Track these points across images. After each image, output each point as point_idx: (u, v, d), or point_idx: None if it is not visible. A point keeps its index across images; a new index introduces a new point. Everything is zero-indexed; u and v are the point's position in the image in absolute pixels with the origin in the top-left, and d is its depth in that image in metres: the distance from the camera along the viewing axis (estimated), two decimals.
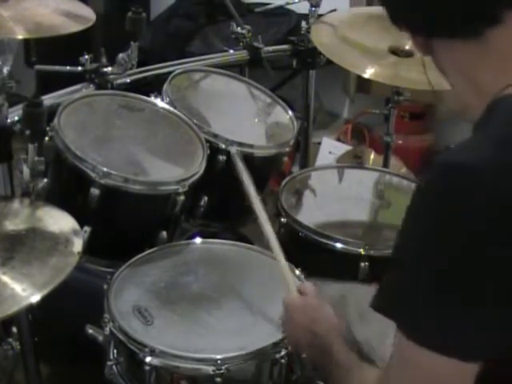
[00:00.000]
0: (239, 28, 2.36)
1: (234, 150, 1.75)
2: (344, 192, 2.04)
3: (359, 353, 1.26)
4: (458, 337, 0.90)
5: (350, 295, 1.49)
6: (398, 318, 0.95)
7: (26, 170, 1.57)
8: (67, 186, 1.71)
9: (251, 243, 1.84)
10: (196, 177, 1.71)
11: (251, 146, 1.86)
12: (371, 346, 1.33)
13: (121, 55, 1.97)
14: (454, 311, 0.89)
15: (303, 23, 2.43)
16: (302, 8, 2.63)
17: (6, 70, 1.71)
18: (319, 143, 3.19)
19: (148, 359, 1.37)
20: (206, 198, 1.84)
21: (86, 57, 1.97)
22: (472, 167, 0.87)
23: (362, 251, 1.74)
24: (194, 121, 1.84)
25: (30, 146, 1.55)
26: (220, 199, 1.86)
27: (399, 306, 0.94)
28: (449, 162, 0.90)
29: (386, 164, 2.48)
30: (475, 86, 0.98)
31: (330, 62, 2.19)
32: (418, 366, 0.93)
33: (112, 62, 1.98)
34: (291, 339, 1.38)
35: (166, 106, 1.87)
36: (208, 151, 1.77)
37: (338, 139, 3.36)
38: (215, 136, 1.83)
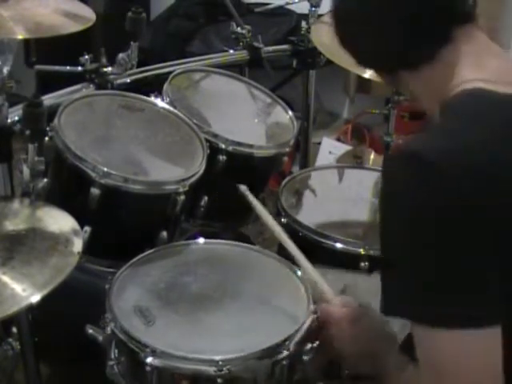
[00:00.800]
0: (239, 28, 2.36)
1: (242, 188, 1.71)
2: (344, 192, 2.04)
3: None
4: (465, 305, 0.92)
5: (351, 284, 1.49)
6: (405, 311, 0.97)
7: (25, 170, 1.57)
8: (67, 186, 1.71)
9: (252, 243, 1.84)
10: (196, 177, 1.70)
11: (251, 146, 1.86)
12: None
13: (121, 55, 1.97)
14: (453, 281, 0.92)
15: (303, 23, 2.43)
16: (302, 8, 2.63)
17: (6, 70, 1.71)
18: (319, 143, 3.19)
19: (149, 360, 1.37)
20: (206, 198, 1.84)
21: (86, 57, 1.97)
22: (422, 155, 0.95)
23: (361, 251, 1.74)
24: (194, 121, 1.84)
25: (30, 146, 1.55)
26: (220, 199, 1.86)
27: (402, 301, 0.97)
28: (404, 151, 0.99)
29: None
30: (438, 97, 1.06)
31: (330, 62, 2.19)
32: (441, 348, 0.94)
33: (112, 62, 1.99)
34: (335, 348, 1.36)
35: (166, 106, 1.87)
36: (208, 151, 1.77)
37: (338, 139, 3.36)
38: (215, 136, 1.83)
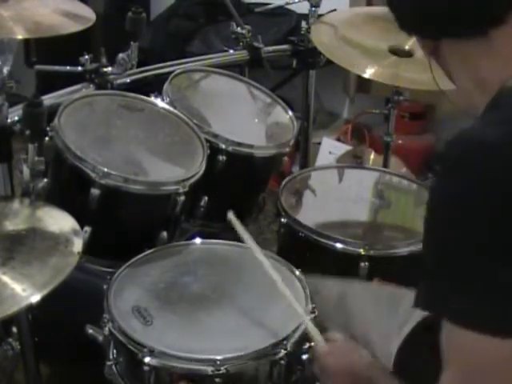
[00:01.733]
0: (239, 28, 2.36)
1: (230, 215, 1.62)
2: (344, 192, 2.04)
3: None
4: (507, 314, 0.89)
5: (349, 293, 1.49)
6: (443, 309, 0.94)
7: (25, 170, 1.57)
8: (67, 186, 1.71)
9: None
10: (196, 177, 1.71)
11: (251, 146, 1.86)
12: (370, 341, 1.33)
13: (121, 55, 1.97)
14: (497, 285, 0.90)
15: (303, 23, 2.43)
16: (302, 8, 2.63)
17: (6, 70, 1.71)
18: (319, 143, 3.19)
19: (147, 359, 1.37)
20: (206, 198, 1.84)
21: (86, 57, 1.97)
22: (491, 144, 0.91)
23: (361, 251, 1.74)
24: (194, 121, 1.84)
25: (30, 146, 1.55)
26: (220, 199, 1.86)
27: (444, 298, 0.94)
28: (470, 138, 0.94)
29: (385, 164, 2.48)
30: (480, 83, 1.03)
31: (330, 62, 2.19)
32: (473, 353, 0.92)
33: (112, 62, 1.99)
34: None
35: (166, 106, 1.87)
36: (208, 151, 1.77)
37: (338, 139, 3.36)
38: (215, 136, 1.83)
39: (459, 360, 0.95)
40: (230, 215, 1.59)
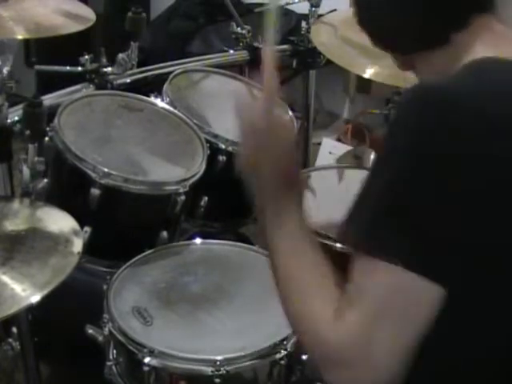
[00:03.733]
0: (239, 28, 2.36)
1: None
2: (344, 192, 2.04)
3: None
4: (419, 251, 0.91)
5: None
6: (356, 237, 0.98)
7: (25, 170, 1.57)
8: (67, 186, 1.71)
9: (251, 243, 1.84)
10: (196, 177, 1.71)
11: None
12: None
13: (121, 55, 1.97)
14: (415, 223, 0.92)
15: (303, 23, 2.43)
16: (302, 8, 2.62)
17: (5, 70, 1.71)
18: (319, 143, 3.19)
19: (147, 360, 1.37)
20: (206, 198, 1.84)
21: (86, 57, 1.97)
22: (448, 90, 0.96)
23: None
24: (194, 121, 1.84)
25: (30, 146, 1.55)
26: (220, 199, 1.86)
27: (358, 228, 0.97)
28: (426, 85, 0.99)
29: None
30: None
31: (329, 62, 2.19)
32: (375, 279, 0.93)
33: (112, 62, 1.99)
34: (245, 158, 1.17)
35: (166, 106, 1.87)
36: (208, 151, 1.77)
37: (338, 139, 3.35)
38: (215, 136, 1.83)
39: (363, 289, 0.95)
40: None
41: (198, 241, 1.72)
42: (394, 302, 0.93)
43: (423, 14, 1.07)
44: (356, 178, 2.13)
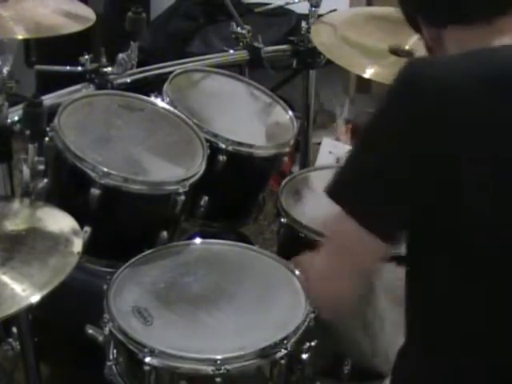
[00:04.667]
0: (239, 28, 2.36)
1: None
2: None
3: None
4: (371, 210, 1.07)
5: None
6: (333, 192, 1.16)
7: (25, 170, 1.57)
8: (67, 186, 1.71)
9: (251, 243, 1.84)
10: (196, 177, 1.71)
11: (251, 146, 1.86)
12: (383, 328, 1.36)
13: (121, 55, 1.97)
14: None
15: (303, 23, 2.43)
16: (302, 8, 2.62)
17: (5, 70, 1.71)
18: (319, 143, 3.19)
19: (147, 359, 1.37)
20: (206, 198, 1.84)
21: (86, 57, 1.97)
22: (436, 78, 1.00)
23: None
24: (194, 121, 1.84)
25: (30, 146, 1.55)
26: (220, 199, 1.86)
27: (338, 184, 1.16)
28: (415, 72, 1.04)
29: None
30: None
31: (329, 62, 2.19)
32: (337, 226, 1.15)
33: (112, 62, 1.98)
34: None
35: (166, 106, 1.87)
36: (208, 151, 1.77)
37: (338, 139, 3.35)
38: (215, 136, 1.83)
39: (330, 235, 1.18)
40: None
41: (197, 241, 1.72)
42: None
43: None
44: None
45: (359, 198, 1.10)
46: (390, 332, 1.37)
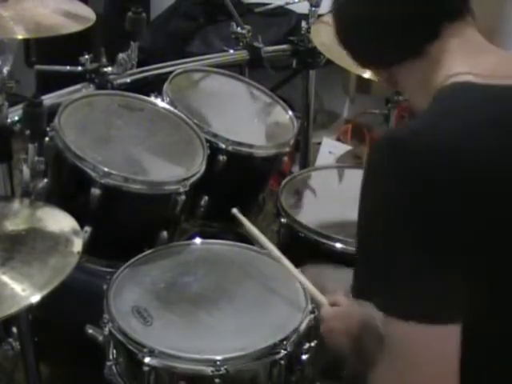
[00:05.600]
0: (239, 28, 2.36)
1: (234, 211, 1.69)
2: (344, 192, 2.04)
3: None
4: (416, 300, 0.96)
5: None
6: (370, 298, 1.02)
7: (25, 170, 1.57)
8: (67, 185, 1.71)
9: (251, 243, 1.84)
10: (196, 177, 1.71)
11: (251, 146, 1.86)
12: None
13: (121, 55, 1.97)
14: (406, 275, 0.96)
15: (303, 23, 2.43)
16: (302, 8, 2.63)
17: (5, 70, 1.71)
18: (319, 143, 3.19)
19: (147, 360, 1.37)
20: (206, 198, 1.84)
21: (86, 57, 1.97)
22: (417, 141, 0.98)
23: None
24: (194, 121, 1.84)
25: (30, 146, 1.55)
26: (220, 199, 1.86)
27: (368, 288, 1.03)
28: (386, 136, 1.04)
29: None
30: (430, 93, 1.09)
31: (329, 62, 2.19)
32: (398, 336, 0.98)
33: (112, 62, 1.99)
34: (334, 346, 1.37)
35: (166, 106, 1.87)
36: (208, 151, 1.78)
37: (338, 139, 3.35)
38: (215, 136, 1.83)
39: (394, 346, 1.01)
40: (235, 211, 1.62)
41: (197, 241, 1.72)
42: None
43: (399, 25, 1.10)
44: (356, 178, 2.13)
45: (409, 299, 0.97)
46: None
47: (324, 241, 1.77)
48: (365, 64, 1.22)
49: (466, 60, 1.08)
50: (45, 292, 1.29)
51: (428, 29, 1.09)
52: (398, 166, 0.97)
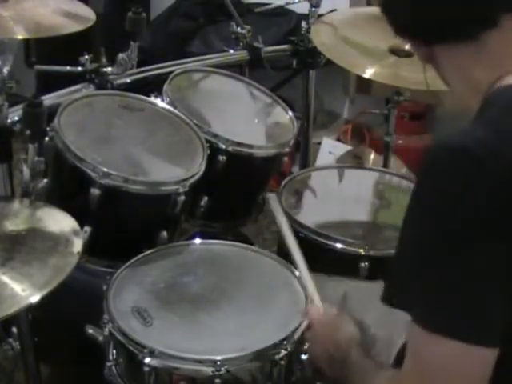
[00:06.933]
0: (239, 28, 2.36)
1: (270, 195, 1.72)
2: (344, 192, 2.04)
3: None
4: (468, 319, 0.92)
5: (352, 293, 1.49)
6: (410, 307, 0.97)
7: (25, 170, 1.57)
8: (67, 186, 1.71)
9: (251, 243, 1.84)
10: (196, 177, 1.71)
11: (251, 146, 1.86)
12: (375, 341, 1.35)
13: (121, 55, 1.97)
14: (459, 292, 0.92)
15: (303, 23, 2.43)
16: (302, 8, 2.63)
17: (5, 70, 1.71)
18: (319, 143, 3.19)
19: (147, 360, 1.37)
20: (206, 198, 1.84)
21: (86, 57, 1.97)
22: (465, 148, 0.92)
23: (361, 251, 1.74)
24: (194, 121, 1.84)
25: (30, 146, 1.55)
26: (220, 199, 1.86)
27: (409, 296, 0.97)
28: (444, 144, 0.95)
29: (386, 164, 2.48)
30: (473, 86, 1.04)
31: (329, 62, 2.19)
32: (435, 354, 0.94)
33: (112, 62, 1.99)
34: (315, 351, 1.38)
35: (166, 106, 1.87)
36: (208, 151, 1.77)
37: (338, 139, 3.36)
38: (215, 136, 1.83)
39: (423, 362, 0.97)
40: (270, 196, 1.63)
41: (197, 241, 1.72)
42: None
43: (451, 3, 1.02)
44: (356, 178, 2.14)
45: (461, 316, 0.93)
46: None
47: (324, 241, 1.77)
48: (401, 31, 1.10)
49: None
50: (45, 292, 1.29)
51: (484, 11, 1.00)
52: (475, 182, 0.91)
